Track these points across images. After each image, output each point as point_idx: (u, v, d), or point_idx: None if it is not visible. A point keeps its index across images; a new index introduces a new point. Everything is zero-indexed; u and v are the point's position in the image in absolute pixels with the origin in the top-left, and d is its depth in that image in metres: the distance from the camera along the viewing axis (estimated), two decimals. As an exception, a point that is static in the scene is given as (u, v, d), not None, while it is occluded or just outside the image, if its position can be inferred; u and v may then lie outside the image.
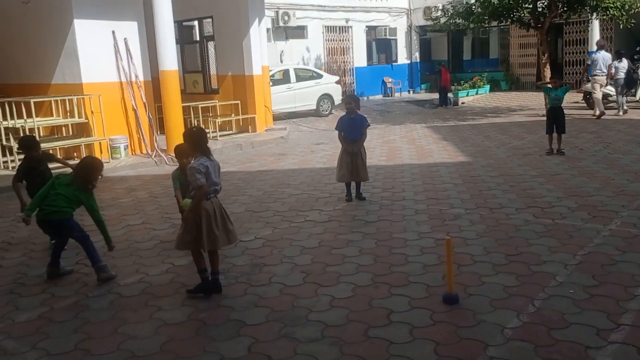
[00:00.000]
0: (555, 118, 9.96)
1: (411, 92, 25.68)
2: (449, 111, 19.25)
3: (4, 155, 10.25)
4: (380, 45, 24.56)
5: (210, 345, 3.64)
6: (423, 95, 24.50)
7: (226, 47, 14.13)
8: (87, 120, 10.54)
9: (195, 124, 13.44)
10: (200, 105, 13.45)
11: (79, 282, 4.87)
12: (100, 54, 10.64)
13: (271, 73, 17.12)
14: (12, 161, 10.06)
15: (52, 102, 10.91)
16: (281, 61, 20.06)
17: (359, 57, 23.22)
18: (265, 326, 3.90)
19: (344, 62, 22.73)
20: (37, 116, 11.16)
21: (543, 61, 16.17)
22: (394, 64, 24.96)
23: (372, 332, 3.74)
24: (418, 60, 25.86)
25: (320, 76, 18.20)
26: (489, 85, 23.40)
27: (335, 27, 22.18)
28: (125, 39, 10.99)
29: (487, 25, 17.96)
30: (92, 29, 10.51)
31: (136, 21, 11.12)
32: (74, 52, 10.41)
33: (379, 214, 6.67)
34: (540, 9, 15.64)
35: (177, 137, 11.28)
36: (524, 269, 4.72)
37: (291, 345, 3.61)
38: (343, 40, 22.57)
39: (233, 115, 14.20)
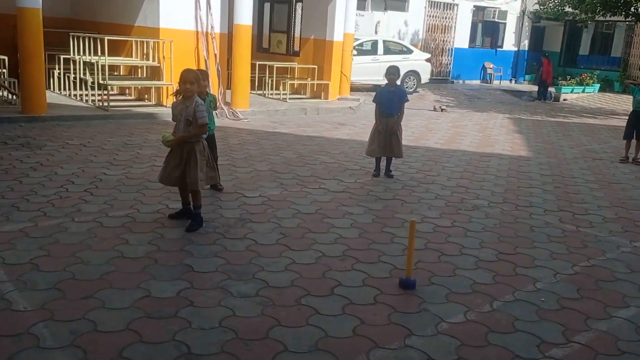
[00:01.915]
0: (637, 123, 9.06)
1: (513, 81, 24.36)
2: (545, 106, 18.05)
3: (80, 89, 10.92)
4: (487, 27, 23.37)
5: (145, 283, 3.71)
6: (524, 87, 23.15)
7: (312, 10, 14.06)
8: (159, 65, 10.96)
9: (268, 83, 13.64)
10: (275, 65, 13.54)
11: (158, 222, 5.05)
12: (181, 1, 10.94)
13: (359, 42, 16.92)
14: (86, 95, 10.73)
15: (133, 43, 11.45)
16: (376, 32, 19.65)
17: (460, 38, 22.26)
18: (209, 275, 3.90)
19: (443, 40, 21.90)
20: (120, 55, 11.83)
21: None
22: (498, 49, 23.71)
23: (307, 299, 3.64)
24: (526, 48, 24.39)
25: (410, 51, 17.68)
26: (599, 85, 21.65)
27: (440, 3, 21.33)
28: (207, -11, 11.22)
29: (600, 17, 16.46)
30: (176, -25, 10.82)
31: (220, -27, 11.31)
32: (156, -3, 10.80)
33: (397, 192, 6.43)
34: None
35: (243, 91, 11.54)
36: (509, 270, 4.38)
37: (220, 296, 3.59)
38: (446, 18, 21.70)
39: (309, 79, 14.19)
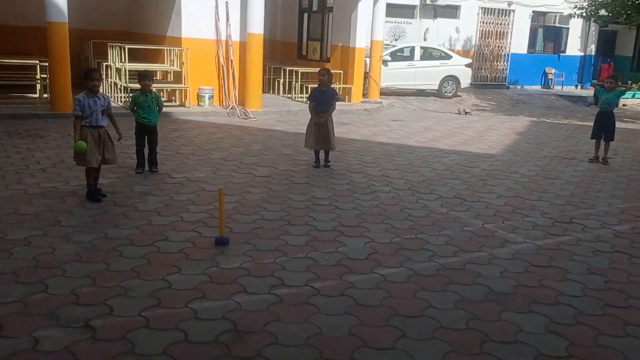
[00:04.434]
0: (603, 124, 9.09)
1: (579, 87, 23.56)
2: (595, 111, 17.49)
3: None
4: (548, 33, 22.87)
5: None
6: (589, 92, 22.31)
7: (340, 19, 14.95)
8: (180, 70, 12.36)
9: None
10: (300, 70, 14.58)
11: (71, 193, 6.42)
12: (201, 13, 12.29)
13: (397, 48, 17.55)
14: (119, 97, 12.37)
15: (165, 51, 12.97)
16: (424, 39, 20.08)
17: (518, 43, 21.97)
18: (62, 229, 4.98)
19: (498, 46, 21.76)
20: (156, 62, 13.41)
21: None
22: (561, 54, 23.08)
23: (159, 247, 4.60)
24: (593, 53, 23.49)
25: (448, 57, 17.94)
26: (667, 90, 20.44)
27: (494, 9, 21.27)
28: (226, 2, 12.48)
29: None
30: (197, -11, 12.22)
31: (238, -14, 12.55)
32: (179, 10, 12.23)
33: (316, 179, 7.15)
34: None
35: (255, 93, 12.63)
36: (329, 237, 5.04)
37: (70, 248, 4.66)
38: (501, 24, 21.56)
39: (337, 83, 15.03)
